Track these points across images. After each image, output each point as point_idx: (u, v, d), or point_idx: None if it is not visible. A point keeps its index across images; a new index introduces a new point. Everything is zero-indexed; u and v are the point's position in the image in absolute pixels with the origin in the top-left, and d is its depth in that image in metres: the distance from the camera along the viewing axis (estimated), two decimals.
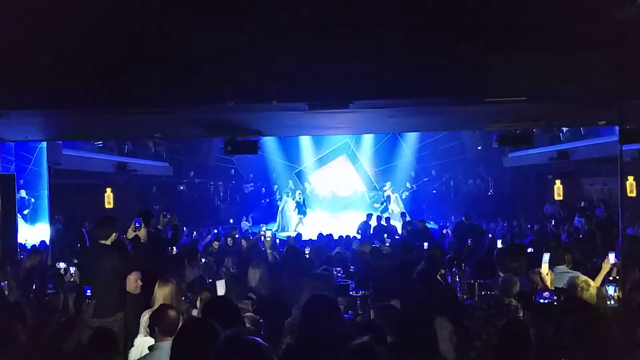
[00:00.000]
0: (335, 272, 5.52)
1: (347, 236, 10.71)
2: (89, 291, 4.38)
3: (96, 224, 5.04)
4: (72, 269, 5.62)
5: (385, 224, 12.26)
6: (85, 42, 4.67)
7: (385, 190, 16.72)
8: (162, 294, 3.92)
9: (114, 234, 4.72)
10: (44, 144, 10.46)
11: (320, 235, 10.64)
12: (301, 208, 16.45)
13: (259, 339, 1.82)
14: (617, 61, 4.32)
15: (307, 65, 4.68)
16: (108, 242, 4.67)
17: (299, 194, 16.72)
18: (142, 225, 4.91)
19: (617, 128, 10.97)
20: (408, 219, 12.90)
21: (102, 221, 4.86)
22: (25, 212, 10.51)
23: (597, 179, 15.18)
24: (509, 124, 6.75)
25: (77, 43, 4.68)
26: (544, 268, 4.98)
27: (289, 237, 11.22)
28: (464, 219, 11.29)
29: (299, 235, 10.76)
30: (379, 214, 13.87)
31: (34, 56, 4.65)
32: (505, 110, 5.77)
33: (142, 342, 3.62)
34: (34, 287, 5.59)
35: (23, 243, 9.12)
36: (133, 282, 4.49)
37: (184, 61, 4.74)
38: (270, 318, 3.80)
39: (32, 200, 10.77)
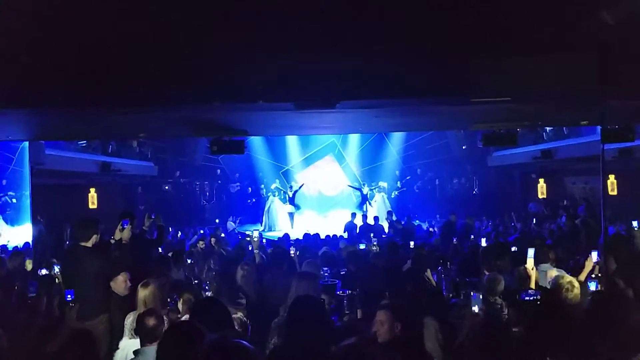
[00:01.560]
0: (322, 272, 5.52)
1: (334, 235, 10.72)
2: (69, 296, 4.33)
3: (76, 225, 4.97)
4: (57, 268, 5.55)
5: (372, 223, 12.31)
6: (68, 40, 4.59)
7: (363, 189, 16.77)
8: (142, 295, 3.88)
9: (95, 235, 4.66)
10: (26, 143, 10.28)
11: (306, 235, 10.64)
12: (293, 202, 16.48)
13: (245, 342, 1.81)
14: (599, 62, 4.39)
15: (294, 65, 4.66)
16: (89, 244, 4.61)
17: (290, 189, 16.78)
18: (129, 225, 4.86)
19: (598, 128, 11.19)
20: (394, 217, 12.97)
21: (83, 223, 4.80)
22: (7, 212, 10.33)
23: (579, 178, 15.43)
24: (494, 124, 6.81)
25: (60, 41, 4.60)
26: (529, 263, 5.05)
27: (280, 237, 11.18)
28: (451, 218, 11.39)
29: (286, 235, 10.74)
30: (362, 212, 13.92)
31: (13, 54, 4.56)
32: (490, 110, 5.82)
33: (127, 345, 3.59)
34: (15, 289, 5.49)
35: (5, 244, 8.96)
36: (122, 283, 4.43)
37: (169, 60, 4.69)
38: (258, 319, 3.79)
39: (14, 200, 10.59)
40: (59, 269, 5.36)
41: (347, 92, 4.78)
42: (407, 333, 3.22)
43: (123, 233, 4.80)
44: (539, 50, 4.49)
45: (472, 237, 10.00)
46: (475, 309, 3.62)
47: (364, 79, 4.72)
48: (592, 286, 4.34)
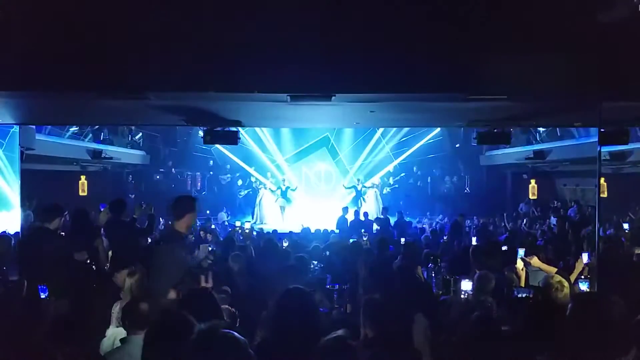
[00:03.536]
0: (312, 266, 5.51)
1: (325, 230, 10.71)
2: (42, 294, 4.30)
3: (41, 208, 5.25)
4: None
5: (363, 219, 12.32)
6: (60, 24, 4.51)
7: (357, 185, 16.79)
8: (128, 283, 3.85)
9: (58, 219, 4.85)
10: (17, 128, 10.14)
11: (302, 228, 10.62)
12: (285, 196, 16.47)
13: (234, 332, 1.78)
14: (598, 63, 4.38)
15: (290, 56, 4.62)
16: (51, 226, 4.80)
17: (283, 182, 16.74)
18: (107, 210, 4.91)
19: (592, 130, 11.25)
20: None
21: (48, 206, 5.07)
22: None
23: (570, 180, 15.54)
24: (489, 122, 6.82)
25: (52, 24, 4.52)
26: (519, 263, 5.07)
27: (272, 230, 11.15)
28: (458, 218, 11.48)
29: (274, 231, 10.73)
30: (356, 208, 13.93)
31: (3, 36, 4.47)
32: (486, 108, 5.82)
33: (114, 333, 3.56)
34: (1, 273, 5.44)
35: None
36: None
37: (164, 47, 4.62)
38: (246, 310, 3.76)
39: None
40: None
41: (343, 85, 4.75)
42: (396, 329, 3.21)
43: (100, 215, 5.08)
44: (536, 50, 4.48)
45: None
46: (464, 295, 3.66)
47: (361, 72, 4.69)
48: (584, 286, 4.36)
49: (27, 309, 3.88)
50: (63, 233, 5.42)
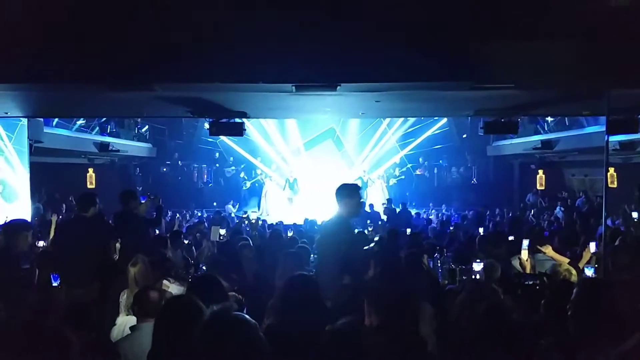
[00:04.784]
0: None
1: None
2: (55, 282, 4.36)
3: (77, 198, 5.37)
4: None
5: (369, 210, 12.32)
6: (67, 16, 4.52)
7: (363, 176, 16.77)
8: (132, 273, 3.89)
9: (93, 207, 4.95)
10: (25, 121, 10.22)
11: (305, 220, 10.64)
12: (292, 187, 16.50)
13: (246, 315, 1.80)
14: (606, 49, 4.33)
15: (295, 46, 4.60)
16: (88, 215, 4.91)
17: (290, 173, 16.72)
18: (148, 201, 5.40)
19: (601, 119, 11.13)
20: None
21: (83, 195, 5.19)
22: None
23: (579, 170, 15.41)
24: (496, 112, 6.78)
25: (59, 17, 4.53)
26: (524, 254, 5.08)
27: (278, 222, 11.18)
28: (480, 209, 11.54)
29: (280, 222, 10.75)
30: (363, 199, 13.93)
31: (11, 28, 4.49)
32: (493, 97, 5.78)
33: (124, 321, 3.59)
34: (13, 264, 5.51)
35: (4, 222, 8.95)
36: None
37: (169, 38, 4.62)
38: (253, 299, 3.79)
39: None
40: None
41: (349, 74, 4.73)
42: (401, 317, 3.21)
43: (141, 207, 5.32)
44: (544, 37, 4.43)
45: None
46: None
47: (367, 61, 4.66)
48: (589, 273, 4.37)
49: (41, 296, 3.94)
50: None
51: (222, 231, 6.73)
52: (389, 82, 4.98)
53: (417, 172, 18.06)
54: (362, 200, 4.22)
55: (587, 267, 4.49)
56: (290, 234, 6.98)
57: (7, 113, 7.75)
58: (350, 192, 4.22)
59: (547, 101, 6.48)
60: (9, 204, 10.22)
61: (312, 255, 5.46)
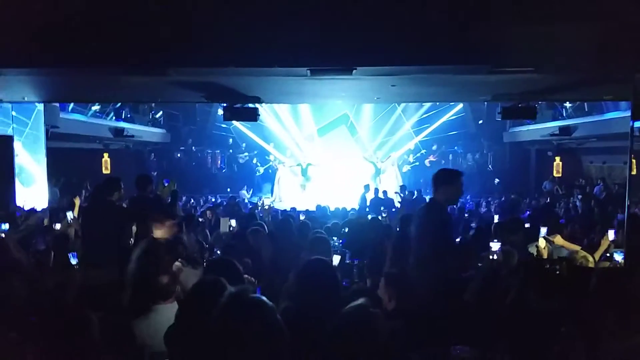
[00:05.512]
0: (332, 242, 5.51)
1: (344, 208, 10.70)
2: (73, 259, 4.44)
3: (103, 182, 5.40)
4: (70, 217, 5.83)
5: (383, 197, 12.27)
6: (84, 1, 4.52)
7: (376, 162, 16.69)
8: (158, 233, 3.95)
9: (117, 192, 5.06)
10: (41, 106, 10.33)
11: (317, 206, 10.64)
12: (305, 173, 16.52)
13: (264, 297, 1.80)
14: (631, 30, 4.19)
15: (310, 30, 4.54)
16: (113, 198, 5.04)
17: (304, 158, 16.77)
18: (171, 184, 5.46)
19: (622, 104, 10.85)
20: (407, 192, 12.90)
21: (108, 180, 5.26)
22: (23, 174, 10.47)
23: (597, 157, 15.12)
24: (514, 96, 6.65)
25: (75, 2, 4.53)
26: (541, 241, 5.03)
27: (291, 208, 11.20)
28: (512, 196, 11.51)
29: (293, 209, 10.77)
30: (376, 186, 13.86)
31: (28, 13, 4.50)
32: (511, 81, 5.66)
33: None
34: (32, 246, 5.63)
35: (22, 206, 9.11)
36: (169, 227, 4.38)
37: (184, 23, 4.60)
38: (267, 282, 3.80)
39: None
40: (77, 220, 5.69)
41: (364, 58, 4.67)
42: (417, 301, 3.20)
43: (164, 190, 5.45)
44: (565, 18, 4.29)
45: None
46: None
47: (382, 45, 4.59)
48: (619, 257, 4.33)
49: (60, 278, 3.99)
50: None
51: (233, 222, 6.76)
52: (405, 66, 4.91)
53: (429, 160, 17.84)
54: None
55: (616, 252, 4.42)
56: (302, 217, 6.98)
57: (24, 98, 7.83)
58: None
59: (568, 85, 6.33)
60: (26, 188, 10.39)
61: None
